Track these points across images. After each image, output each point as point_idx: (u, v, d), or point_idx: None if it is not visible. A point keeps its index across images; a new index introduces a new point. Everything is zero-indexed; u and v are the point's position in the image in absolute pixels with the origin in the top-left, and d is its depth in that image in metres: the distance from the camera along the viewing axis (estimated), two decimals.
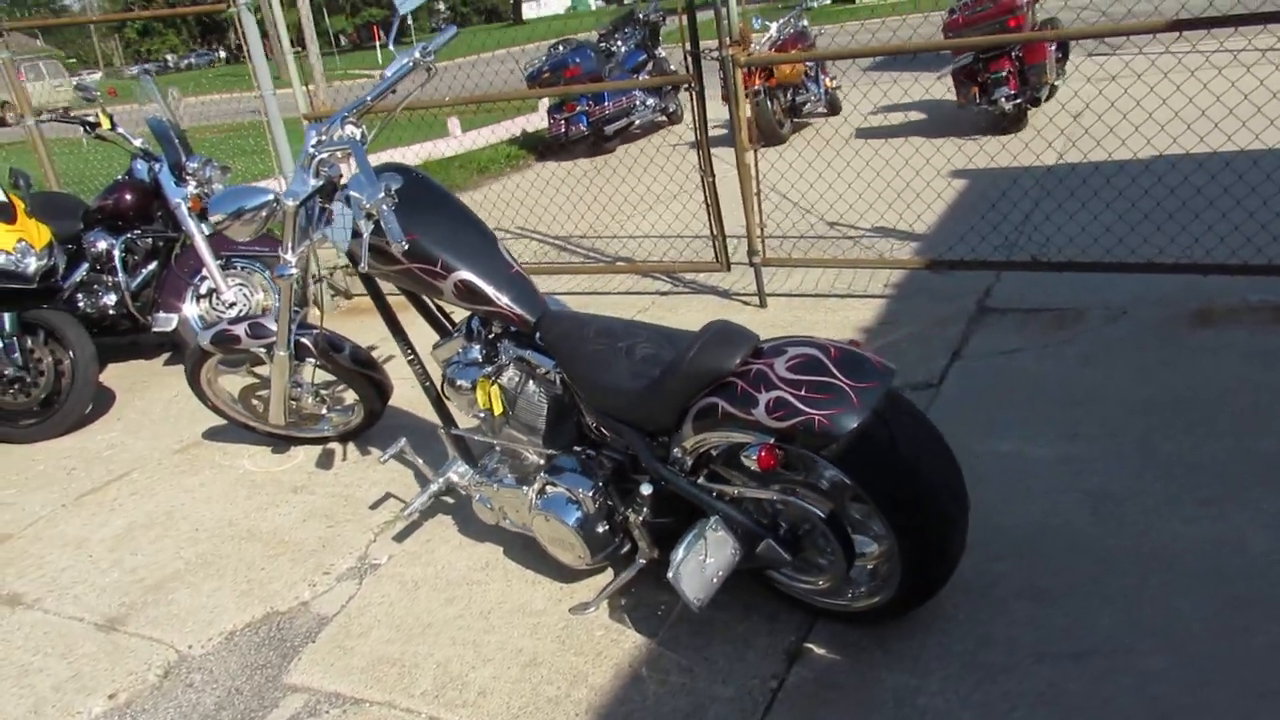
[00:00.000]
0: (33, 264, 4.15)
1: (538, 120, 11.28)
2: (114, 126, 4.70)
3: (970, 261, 4.23)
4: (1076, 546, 2.51)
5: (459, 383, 2.68)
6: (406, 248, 2.45)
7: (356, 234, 2.41)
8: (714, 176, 4.60)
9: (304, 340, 3.34)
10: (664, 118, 10.50)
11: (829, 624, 2.37)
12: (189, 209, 4.54)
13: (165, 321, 4.65)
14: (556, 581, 2.70)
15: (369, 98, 2.68)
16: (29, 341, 4.18)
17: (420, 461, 2.97)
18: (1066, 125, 7.17)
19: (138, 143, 4.76)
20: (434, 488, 2.85)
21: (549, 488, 2.52)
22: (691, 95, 4.53)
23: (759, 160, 4.60)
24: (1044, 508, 2.69)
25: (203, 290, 4.72)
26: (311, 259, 2.41)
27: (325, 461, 3.63)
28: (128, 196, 4.74)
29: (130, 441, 4.07)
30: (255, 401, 3.64)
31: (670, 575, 2.16)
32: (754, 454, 2.05)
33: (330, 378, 3.54)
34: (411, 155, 9.04)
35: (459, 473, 2.84)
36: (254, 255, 4.78)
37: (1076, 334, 3.75)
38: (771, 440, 2.06)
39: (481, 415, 2.69)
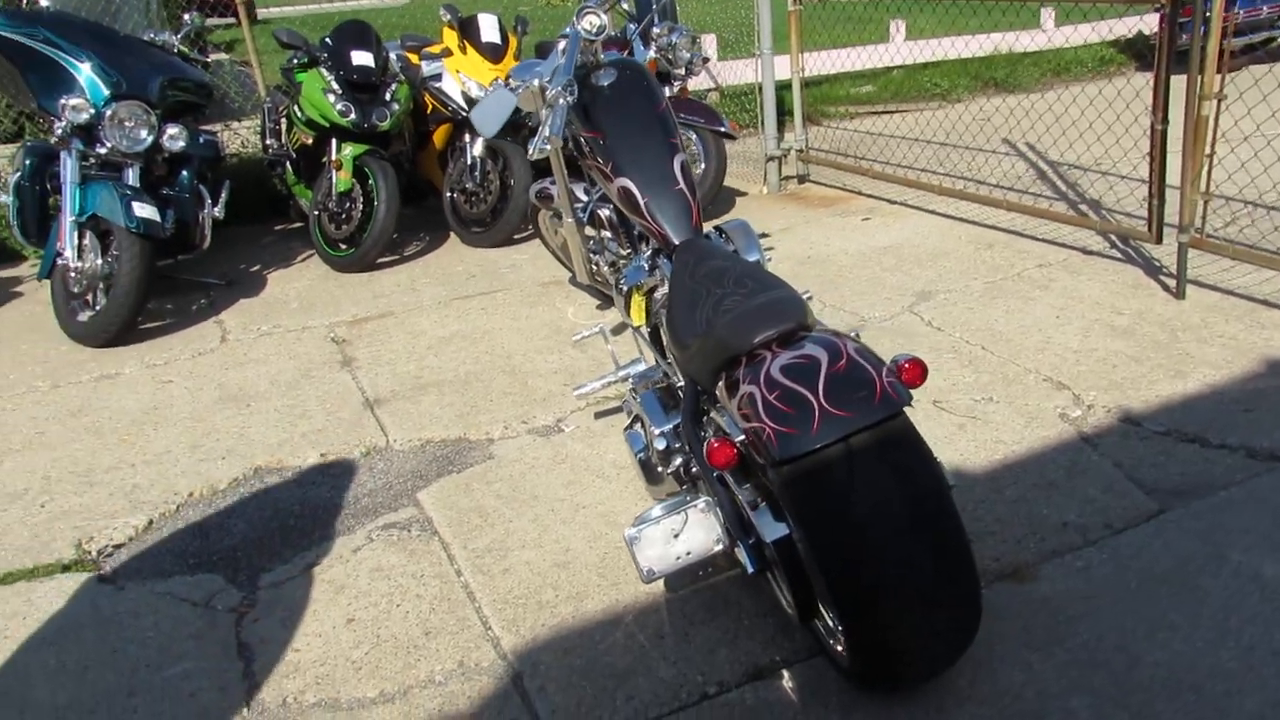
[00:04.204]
0: None
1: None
2: None
3: None
4: None
5: (621, 284, 2.70)
6: (554, 145, 2.49)
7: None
8: (1166, 124, 3.66)
9: (598, 212, 3.57)
10: None
11: (829, 664, 2.04)
12: None
13: None
14: None
15: None
16: (489, 165, 5.03)
17: (613, 349, 3.07)
18: None
19: (624, 5, 5.22)
20: (608, 378, 2.95)
21: (636, 412, 2.48)
22: (1161, 18, 3.60)
23: None
24: (1218, 649, 1.92)
25: None
26: None
27: (620, 328, 3.88)
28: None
29: (526, 266, 4.74)
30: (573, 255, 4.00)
31: (627, 533, 2.04)
32: (707, 443, 1.83)
33: None
34: (975, 45, 8.38)
35: (634, 372, 2.89)
36: (687, 122, 5.04)
37: None
38: (740, 437, 1.81)
39: (630, 323, 2.69)
